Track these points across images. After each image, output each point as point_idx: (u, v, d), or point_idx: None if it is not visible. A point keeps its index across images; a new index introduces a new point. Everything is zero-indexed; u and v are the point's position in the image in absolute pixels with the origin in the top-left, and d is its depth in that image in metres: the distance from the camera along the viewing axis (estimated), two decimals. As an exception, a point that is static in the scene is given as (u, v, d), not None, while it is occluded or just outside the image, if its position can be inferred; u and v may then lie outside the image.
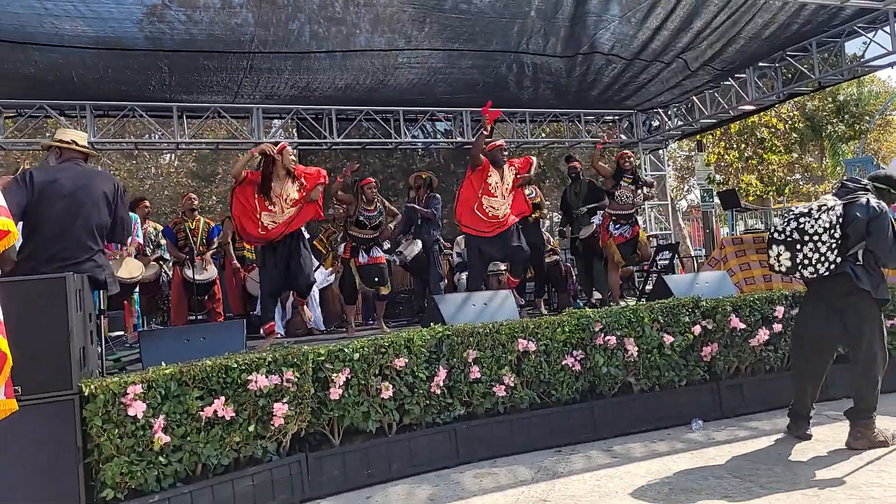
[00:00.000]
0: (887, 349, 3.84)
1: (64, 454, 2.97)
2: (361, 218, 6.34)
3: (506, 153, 6.16)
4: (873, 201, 3.71)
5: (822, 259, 3.64)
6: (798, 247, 3.66)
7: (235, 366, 3.36)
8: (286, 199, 5.39)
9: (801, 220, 3.68)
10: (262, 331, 5.63)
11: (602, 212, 7.24)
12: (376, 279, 6.47)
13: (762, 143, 17.38)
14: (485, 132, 5.98)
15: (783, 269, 3.74)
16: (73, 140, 3.98)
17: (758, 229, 10.23)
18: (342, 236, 6.68)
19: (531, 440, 4.12)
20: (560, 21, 7.18)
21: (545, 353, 4.21)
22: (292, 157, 5.51)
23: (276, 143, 5.62)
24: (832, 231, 3.63)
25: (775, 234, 3.77)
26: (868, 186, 3.85)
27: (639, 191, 7.01)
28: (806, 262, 3.65)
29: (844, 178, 4.03)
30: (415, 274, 7.70)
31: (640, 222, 7.20)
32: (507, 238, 6.11)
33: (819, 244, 3.62)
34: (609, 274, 7.15)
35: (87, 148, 4.07)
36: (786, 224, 3.75)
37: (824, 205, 3.72)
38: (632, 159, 7.17)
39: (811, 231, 3.63)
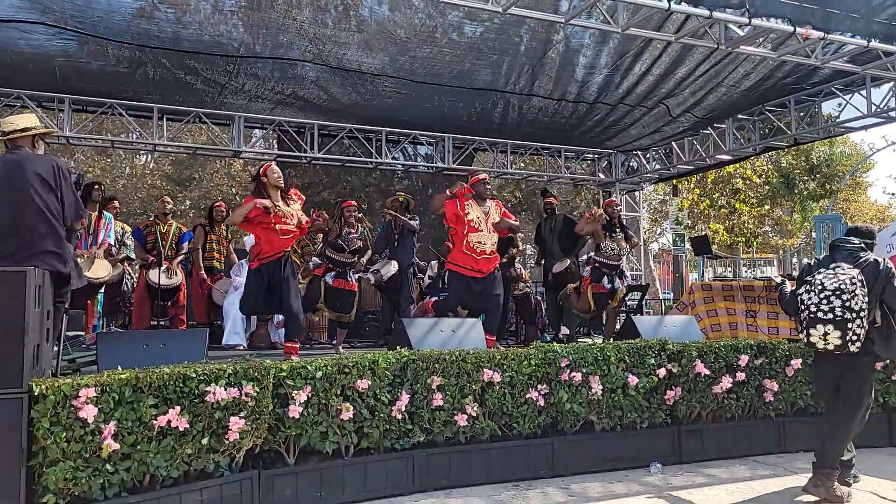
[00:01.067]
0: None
1: (7, 455, 2.86)
2: (340, 242, 6.30)
3: (489, 186, 6.08)
4: (879, 259, 3.81)
5: (864, 329, 3.70)
6: (849, 325, 3.66)
7: (194, 375, 3.29)
8: (291, 215, 5.45)
9: (844, 297, 3.66)
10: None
11: (587, 255, 7.21)
12: (338, 304, 6.41)
13: (736, 193, 17.73)
14: (449, 193, 5.87)
15: (831, 346, 3.71)
16: (15, 124, 3.83)
17: (726, 277, 10.38)
18: (318, 252, 6.63)
19: (489, 473, 4.08)
20: (549, 63, 7.30)
21: (510, 384, 4.19)
22: (277, 174, 5.47)
23: (261, 166, 5.64)
24: (865, 300, 3.69)
25: (819, 314, 3.71)
26: (862, 245, 3.93)
27: (624, 241, 6.96)
28: (854, 337, 3.68)
29: (836, 238, 4.10)
30: (386, 294, 7.65)
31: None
32: (489, 285, 5.96)
33: (864, 318, 3.68)
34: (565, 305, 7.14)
35: (35, 128, 3.89)
36: (826, 302, 3.71)
37: (849, 276, 3.72)
38: (619, 208, 7.15)
39: (857, 308, 3.66)
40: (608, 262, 6.86)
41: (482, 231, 5.89)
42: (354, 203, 6.49)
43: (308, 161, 9.80)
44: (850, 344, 3.68)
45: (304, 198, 5.72)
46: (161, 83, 7.89)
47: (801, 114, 8.82)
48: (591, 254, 7.06)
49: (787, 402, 4.89)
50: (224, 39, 6.74)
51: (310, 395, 3.61)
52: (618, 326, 7.48)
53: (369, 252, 6.68)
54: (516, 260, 7.60)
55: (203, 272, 7.30)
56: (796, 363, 4.85)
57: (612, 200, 7.19)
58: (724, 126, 9.60)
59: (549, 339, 8.03)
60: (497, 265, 6.10)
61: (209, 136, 9.96)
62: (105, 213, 6.73)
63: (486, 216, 5.97)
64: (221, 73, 7.59)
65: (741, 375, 4.73)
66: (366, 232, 6.47)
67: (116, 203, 7.38)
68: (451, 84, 7.82)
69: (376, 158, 9.84)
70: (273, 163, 5.74)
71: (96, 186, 6.77)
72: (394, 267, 7.09)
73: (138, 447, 3.10)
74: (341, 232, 6.28)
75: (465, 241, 5.86)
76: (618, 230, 6.91)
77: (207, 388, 3.28)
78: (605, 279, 6.80)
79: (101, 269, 6.15)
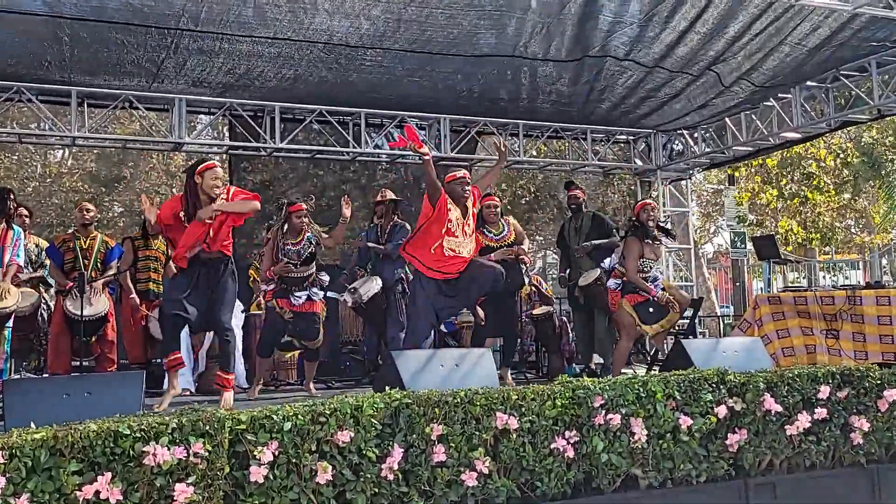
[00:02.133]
0: None
1: None
2: (282, 257, 6.36)
3: (468, 186, 6.10)
4: None
5: None
6: None
7: (128, 432, 3.26)
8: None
9: None
10: (163, 364, 5.66)
11: (612, 264, 7.18)
12: (299, 330, 6.43)
13: (808, 179, 17.76)
14: (425, 156, 5.80)
15: None
16: None
17: (800, 286, 10.39)
18: (262, 277, 6.69)
19: (507, 545, 4.06)
20: (567, 18, 7.31)
21: (530, 432, 4.16)
22: (217, 179, 5.48)
23: (201, 161, 5.65)
24: None
25: None
26: None
27: (662, 246, 6.99)
28: None
29: None
30: (369, 320, 7.64)
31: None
32: (472, 281, 5.98)
33: None
34: (619, 341, 7.11)
35: None
36: None
37: None
38: (656, 211, 7.12)
39: None
40: (648, 275, 6.88)
41: (457, 237, 5.93)
42: (304, 206, 6.54)
43: (268, 153, 9.82)
44: None
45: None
46: (81, 62, 7.90)
47: (886, 78, 8.83)
48: (617, 265, 7.02)
49: (880, 445, 4.86)
50: (160, 7, 6.75)
51: (277, 452, 3.58)
52: (664, 353, 7.48)
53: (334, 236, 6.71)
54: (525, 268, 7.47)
55: (136, 297, 7.28)
56: (891, 395, 4.83)
57: (648, 203, 7.11)
58: (789, 96, 9.63)
59: (578, 371, 8.03)
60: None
61: (143, 125, 9.97)
62: (13, 226, 6.69)
63: (464, 219, 6.01)
64: (157, 49, 7.61)
65: (822, 412, 4.71)
66: (313, 240, 6.52)
67: (26, 212, 7.34)
68: (447, 52, 7.82)
69: (354, 147, 9.86)
70: (216, 164, 5.74)
71: (10, 195, 6.70)
72: (377, 285, 7.10)
73: (59, 526, 3.08)
74: (282, 241, 6.40)
75: (437, 245, 5.88)
76: (655, 240, 6.92)
77: (146, 449, 3.25)
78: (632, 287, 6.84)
79: (8, 298, 6.12)
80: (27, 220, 7.25)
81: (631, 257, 6.77)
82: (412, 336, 6.14)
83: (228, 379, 5.69)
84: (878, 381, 4.88)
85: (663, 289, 6.93)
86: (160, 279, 7.57)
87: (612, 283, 7.00)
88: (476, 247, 6.18)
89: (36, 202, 15.98)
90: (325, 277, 6.80)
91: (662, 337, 7.25)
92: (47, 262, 7.13)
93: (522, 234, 7.31)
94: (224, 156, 10.91)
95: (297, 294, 6.42)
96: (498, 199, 7.40)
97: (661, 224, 7.23)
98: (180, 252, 5.55)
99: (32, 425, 3.26)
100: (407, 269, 7.68)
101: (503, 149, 6.37)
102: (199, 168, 5.52)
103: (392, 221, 7.57)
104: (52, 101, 8.85)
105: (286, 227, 6.46)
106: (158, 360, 7.26)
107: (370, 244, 7.44)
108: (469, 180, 6.18)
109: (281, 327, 6.51)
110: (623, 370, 6.88)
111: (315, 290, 6.54)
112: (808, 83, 9.33)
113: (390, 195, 7.69)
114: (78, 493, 3.11)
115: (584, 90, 9.28)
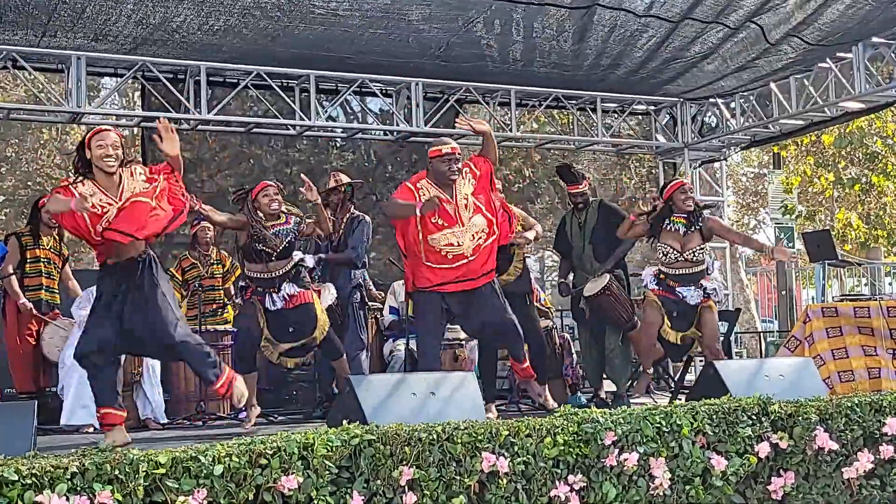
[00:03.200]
0: None
1: None
2: (260, 246, 6.32)
3: (457, 167, 6.15)
4: None
5: None
6: None
7: (16, 478, 3.26)
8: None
9: None
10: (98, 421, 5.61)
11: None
12: (293, 329, 6.47)
13: (872, 161, 17.91)
14: (417, 210, 5.93)
15: None
16: None
17: (862, 295, 10.48)
18: (238, 277, 6.65)
19: None
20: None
21: (524, 476, 4.20)
22: (105, 148, 5.37)
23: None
24: None
25: None
26: None
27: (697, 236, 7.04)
28: None
29: None
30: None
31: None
32: (481, 298, 6.12)
33: None
34: (640, 336, 7.23)
35: None
36: None
37: None
38: (691, 195, 7.16)
39: None
40: (677, 272, 6.97)
41: (454, 227, 5.98)
42: (273, 184, 6.53)
43: (192, 126, 9.79)
44: None
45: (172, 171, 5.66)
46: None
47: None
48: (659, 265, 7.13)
49: (960, 491, 4.95)
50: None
51: (205, 502, 3.59)
52: (692, 377, 7.55)
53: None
54: (524, 265, 7.51)
55: (28, 303, 7.25)
56: (973, 428, 4.91)
57: (681, 182, 7.20)
58: (850, 56, 9.70)
59: (584, 401, 8.08)
60: (486, 277, 6.20)
61: (30, 89, 9.91)
62: None
63: (454, 202, 6.06)
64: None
65: (888, 450, 4.79)
66: (300, 223, 6.55)
67: None
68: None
69: (302, 120, 9.84)
70: (108, 130, 5.60)
71: None
72: (331, 295, 7.10)
73: None
74: (257, 230, 6.34)
75: (423, 246, 5.96)
76: (692, 227, 7.00)
77: (38, 499, 3.25)
78: (668, 287, 6.97)
79: None
80: None
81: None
82: (423, 359, 6.28)
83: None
84: (958, 412, 4.96)
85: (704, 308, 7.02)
86: (54, 286, 7.54)
87: (649, 279, 7.13)
88: (489, 234, 6.19)
89: None
90: (309, 261, 6.78)
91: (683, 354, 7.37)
92: None
93: (528, 218, 7.48)
94: (136, 129, 10.87)
95: (275, 295, 6.41)
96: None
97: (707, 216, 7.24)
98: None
99: None
100: (366, 273, 7.71)
101: (482, 127, 6.35)
102: (88, 137, 5.46)
103: (349, 213, 7.57)
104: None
105: (258, 214, 6.45)
106: (53, 388, 7.24)
107: (322, 256, 7.42)
108: (458, 156, 6.20)
109: (256, 332, 6.46)
110: (640, 400, 6.96)
111: (296, 283, 6.51)
112: (875, 39, 9.37)
113: (345, 178, 7.68)
114: (-48, 554, 3.11)
115: (593, 50, 9.31)
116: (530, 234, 7.22)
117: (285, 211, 6.53)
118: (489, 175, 6.29)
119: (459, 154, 6.25)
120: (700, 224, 7.00)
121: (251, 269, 6.46)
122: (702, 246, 7.03)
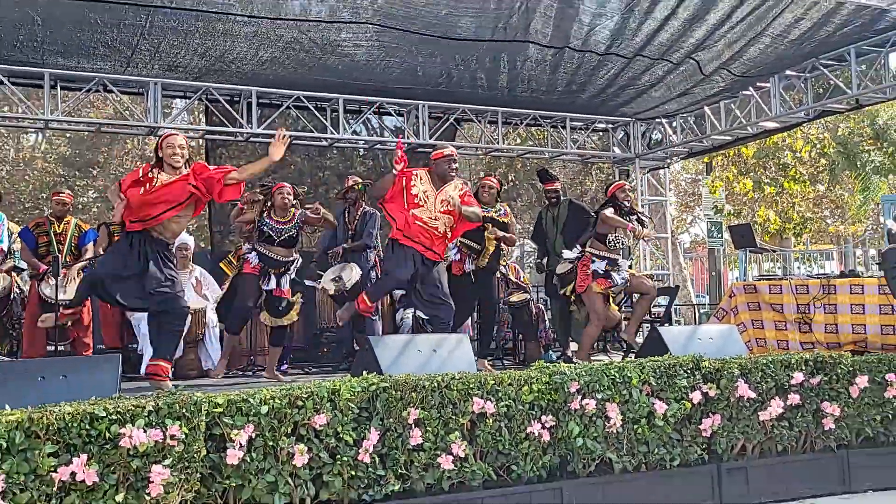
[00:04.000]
0: None
1: None
2: (265, 229, 6.36)
3: (456, 166, 6.08)
4: None
5: None
6: None
7: (104, 415, 3.26)
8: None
9: None
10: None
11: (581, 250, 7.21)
12: (279, 307, 6.53)
13: (784, 169, 17.90)
14: (395, 172, 5.86)
15: None
16: None
17: (774, 275, 10.50)
18: (249, 248, 6.62)
19: (482, 529, 4.10)
20: (546, 3, 7.34)
21: (506, 416, 4.21)
22: (179, 150, 5.42)
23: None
24: None
25: None
26: None
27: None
28: None
29: None
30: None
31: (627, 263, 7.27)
32: (427, 283, 5.94)
33: None
34: (588, 325, 7.16)
35: None
36: None
37: None
38: (632, 193, 7.17)
39: None
40: (610, 255, 7.00)
41: (423, 207, 5.86)
42: (289, 186, 6.55)
43: (245, 138, 9.77)
44: None
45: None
46: (54, 44, 7.82)
47: (864, 68, 8.91)
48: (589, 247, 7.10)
49: (851, 431, 4.95)
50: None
51: (253, 435, 3.60)
52: (639, 339, 7.55)
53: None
54: (502, 254, 7.48)
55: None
56: (862, 381, 4.91)
57: (623, 184, 7.28)
58: (768, 85, 9.70)
59: (554, 357, 8.09)
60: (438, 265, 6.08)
61: (117, 108, 9.89)
62: None
63: (435, 195, 5.92)
64: (131, 29, 7.54)
65: (794, 398, 4.78)
66: (299, 225, 6.58)
67: None
68: (426, 32, 7.77)
69: (332, 133, 9.83)
70: (176, 133, 5.64)
71: None
72: (356, 273, 7.12)
73: (34, 508, 3.08)
74: (267, 216, 6.44)
75: (409, 215, 5.84)
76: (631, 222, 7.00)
77: (122, 431, 3.26)
78: (602, 270, 6.94)
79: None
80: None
81: (609, 219, 6.88)
82: (381, 282, 6.31)
83: (163, 368, 5.57)
84: (850, 368, 4.95)
85: (627, 280, 7.02)
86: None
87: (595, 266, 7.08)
88: (457, 231, 6.10)
89: (9, 186, 15.83)
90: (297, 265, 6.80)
91: (634, 326, 7.35)
92: (16, 246, 7.07)
93: (513, 223, 7.41)
94: (200, 141, 10.85)
95: (275, 277, 6.43)
96: (495, 182, 7.38)
97: (639, 211, 7.27)
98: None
99: (7, 407, 3.26)
100: (380, 255, 7.70)
101: (455, 202, 5.96)
102: (160, 141, 5.50)
103: (362, 209, 7.60)
104: (24, 83, 8.75)
105: (270, 203, 6.46)
106: (134, 345, 7.25)
107: (344, 246, 7.43)
108: (456, 158, 6.12)
109: (253, 300, 6.47)
110: (598, 357, 6.96)
111: (285, 279, 6.55)
112: (787, 72, 9.39)
113: (359, 180, 7.72)
114: (54, 474, 3.11)
115: (563, 80, 9.32)
116: (499, 233, 7.10)
117: (295, 206, 6.55)
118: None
119: (457, 156, 6.21)
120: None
121: (260, 245, 6.48)
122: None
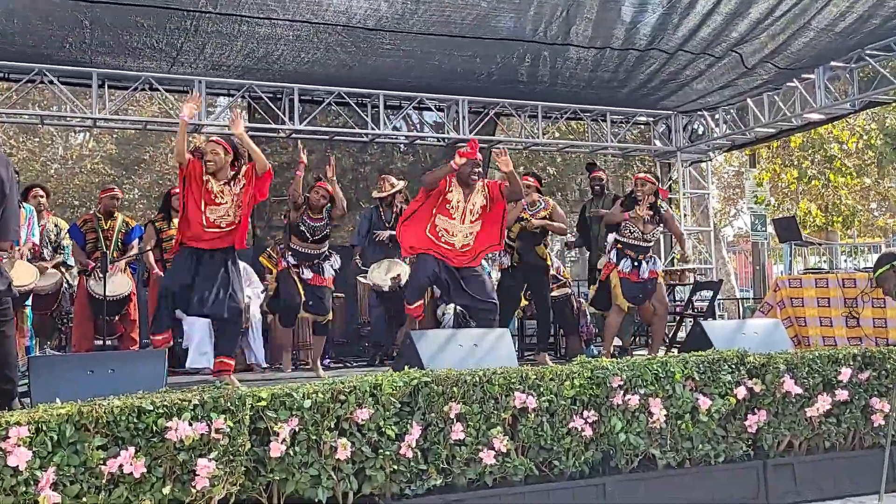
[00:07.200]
0: None
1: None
2: (302, 228, 6.41)
3: (479, 170, 5.99)
4: None
5: None
6: None
7: (151, 408, 3.31)
8: (231, 195, 5.60)
9: None
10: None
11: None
12: (311, 303, 6.49)
13: (829, 161, 17.57)
14: (454, 165, 5.82)
15: None
16: None
17: (820, 269, 10.29)
18: (283, 248, 6.71)
19: (525, 524, 4.08)
20: (587, 2, 7.32)
21: (548, 411, 4.18)
22: (213, 155, 5.58)
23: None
24: None
25: None
26: None
27: (657, 226, 6.99)
28: None
29: None
30: (388, 302, 7.66)
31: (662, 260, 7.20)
32: (470, 281, 5.92)
33: None
34: (608, 315, 7.13)
35: None
36: None
37: None
38: (649, 187, 7.04)
39: None
40: (632, 241, 6.89)
41: (454, 219, 5.85)
42: (325, 185, 6.57)
43: (287, 135, 9.84)
44: None
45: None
46: (101, 45, 7.94)
47: (913, 58, 8.71)
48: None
49: (902, 427, 4.85)
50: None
51: (296, 429, 3.62)
52: (683, 334, 7.46)
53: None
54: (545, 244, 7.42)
55: (160, 276, 7.32)
56: (913, 377, 4.81)
57: (638, 176, 7.26)
58: (813, 77, 9.52)
59: (596, 353, 8.03)
60: (474, 266, 6.01)
61: (162, 107, 10.02)
62: (23, 205, 6.68)
63: (465, 203, 5.88)
64: (176, 32, 7.64)
65: (842, 394, 4.70)
66: (330, 210, 6.57)
67: (42, 192, 7.28)
68: (466, 34, 7.79)
69: (373, 129, 9.84)
70: (212, 141, 5.77)
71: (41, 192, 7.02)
72: (406, 268, 7.14)
73: (84, 499, 3.12)
74: (303, 216, 6.45)
75: (430, 223, 5.85)
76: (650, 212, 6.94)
77: (168, 424, 3.30)
78: (625, 260, 6.85)
79: (24, 276, 6.12)
80: (42, 200, 7.17)
81: (613, 214, 7.00)
82: (410, 284, 6.36)
83: (229, 365, 5.68)
84: (900, 363, 4.85)
85: (649, 279, 6.94)
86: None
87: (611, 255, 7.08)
88: (480, 242, 6.01)
89: (58, 184, 16.11)
90: (337, 261, 6.80)
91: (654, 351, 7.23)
92: (66, 242, 7.17)
93: (562, 215, 7.38)
94: (216, 138, 10.93)
95: (310, 268, 6.48)
96: (533, 180, 7.32)
97: (659, 205, 7.08)
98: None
99: (58, 401, 3.31)
100: None
101: (506, 168, 5.83)
102: (201, 145, 5.67)
103: (398, 209, 7.65)
104: (72, 82, 8.88)
105: (308, 203, 6.50)
106: (180, 340, 7.32)
107: (391, 232, 7.47)
108: (479, 162, 6.03)
109: (298, 295, 6.51)
110: (640, 352, 6.88)
111: (326, 265, 6.58)
112: (832, 63, 9.20)
113: (394, 181, 7.88)
114: (102, 466, 3.16)
115: (605, 75, 9.27)
116: (540, 222, 7.13)
117: (328, 205, 6.55)
118: (502, 210, 6.06)
119: (480, 161, 6.04)
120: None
121: (295, 243, 6.52)
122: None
